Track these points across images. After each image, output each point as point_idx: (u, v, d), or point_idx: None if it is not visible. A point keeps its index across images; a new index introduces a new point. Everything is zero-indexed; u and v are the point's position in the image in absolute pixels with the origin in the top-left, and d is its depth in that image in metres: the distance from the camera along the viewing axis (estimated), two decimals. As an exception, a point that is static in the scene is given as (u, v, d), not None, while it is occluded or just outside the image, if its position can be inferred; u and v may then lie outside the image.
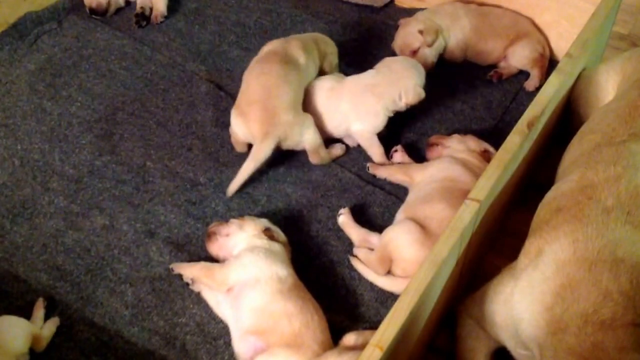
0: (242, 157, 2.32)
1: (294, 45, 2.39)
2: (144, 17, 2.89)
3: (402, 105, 2.34)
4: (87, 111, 2.49)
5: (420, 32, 2.60)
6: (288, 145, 2.27)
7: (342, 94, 2.36)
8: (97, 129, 2.43)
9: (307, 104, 2.36)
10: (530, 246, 1.71)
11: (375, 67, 2.40)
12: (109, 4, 2.90)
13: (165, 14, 2.91)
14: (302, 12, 2.96)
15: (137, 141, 2.40)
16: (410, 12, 2.81)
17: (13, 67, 2.65)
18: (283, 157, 2.35)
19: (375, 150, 2.34)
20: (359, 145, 2.40)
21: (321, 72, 2.49)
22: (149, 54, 2.74)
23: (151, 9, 2.92)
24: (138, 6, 2.92)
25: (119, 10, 2.96)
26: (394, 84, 2.32)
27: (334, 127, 2.38)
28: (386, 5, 3.01)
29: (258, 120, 2.22)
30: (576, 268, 1.56)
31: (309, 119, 2.28)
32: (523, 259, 1.71)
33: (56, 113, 2.48)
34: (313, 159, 2.34)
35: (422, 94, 2.33)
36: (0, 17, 2.76)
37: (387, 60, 2.42)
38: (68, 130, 2.42)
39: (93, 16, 2.89)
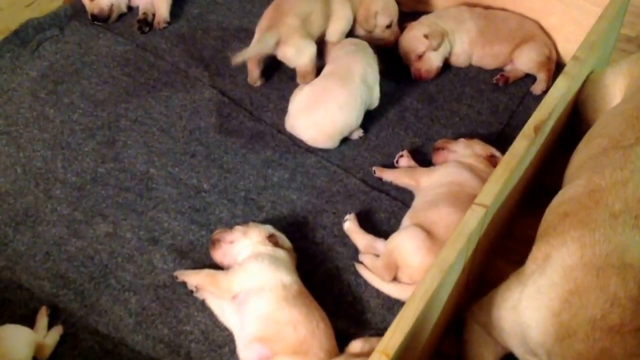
0: (247, 161, 2.34)
1: None
2: (146, 23, 2.88)
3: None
4: (90, 118, 2.48)
5: (426, 36, 2.59)
6: (284, 52, 2.48)
7: None
8: (100, 136, 2.42)
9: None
10: (537, 252, 1.70)
11: None
12: (111, 10, 2.88)
13: (168, 19, 2.90)
14: (305, 16, 2.95)
15: (140, 148, 2.39)
16: (415, 16, 2.79)
17: (15, 74, 2.64)
18: (287, 163, 2.34)
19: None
20: (365, 150, 2.39)
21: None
22: (151, 60, 2.73)
23: (154, 15, 2.91)
24: (141, 12, 2.91)
25: (121, 16, 2.95)
26: None
27: None
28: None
29: (267, 17, 2.53)
30: (584, 273, 1.56)
31: (310, 45, 2.49)
32: (530, 264, 1.70)
33: (58, 120, 2.47)
34: (299, 79, 2.54)
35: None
36: (2, 23, 2.75)
37: None
38: (70, 137, 2.41)
39: (95, 22, 2.88)
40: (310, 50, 2.49)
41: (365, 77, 2.40)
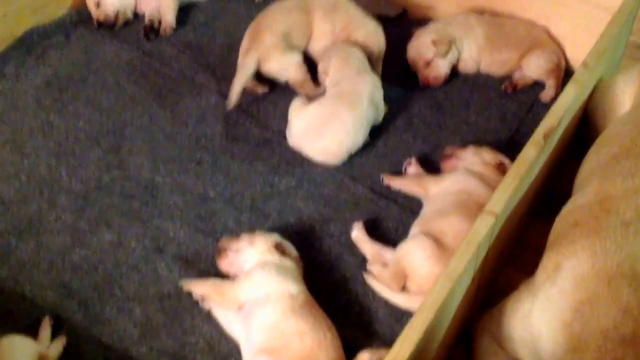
0: (253, 169, 2.32)
1: (319, 5, 2.63)
2: (152, 30, 2.87)
3: None
4: (95, 125, 2.47)
5: (434, 42, 2.57)
6: (268, 69, 2.52)
7: None
8: (105, 143, 2.41)
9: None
10: (548, 261, 1.69)
11: None
12: (117, 16, 2.88)
13: (174, 26, 2.89)
14: (313, 22, 2.94)
15: (146, 155, 2.37)
16: (423, 23, 2.78)
17: (19, 81, 2.63)
18: (294, 171, 2.33)
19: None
20: (372, 158, 2.38)
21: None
22: (157, 66, 2.71)
23: (160, 22, 2.90)
24: (147, 19, 2.90)
25: (127, 23, 2.94)
26: None
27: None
28: (399, 16, 2.99)
29: (247, 38, 2.57)
30: (595, 283, 1.55)
31: (293, 57, 2.51)
32: (541, 274, 1.69)
33: (63, 128, 2.45)
34: (297, 91, 2.53)
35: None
36: (7, 30, 2.74)
37: None
38: (75, 145, 2.40)
39: (101, 29, 2.87)
40: (295, 61, 2.52)
41: (372, 97, 2.38)
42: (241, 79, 2.47)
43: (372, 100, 2.38)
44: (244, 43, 2.59)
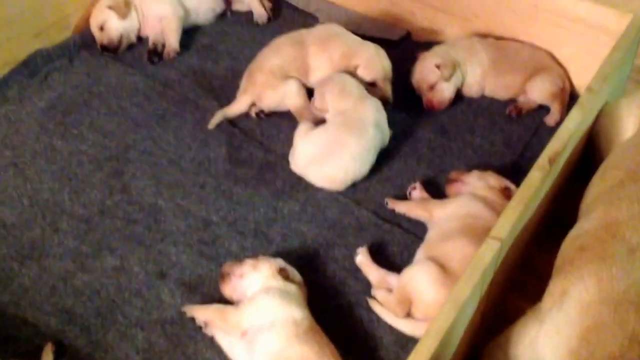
0: (257, 193, 2.32)
1: (312, 37, 2.64)
2: (156, 54, 2.88)
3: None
4: (98, 149, 2.47)
5: (438, 66, 2.57)
6: (267, 106, 2.57)
7: None
8: (108, 167, 2.40)
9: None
10: (554, 287, 1.68)
11: None
12: (120, 40, 2.89)
13: (178, 50, 2.90)
14: (317, 45, 2.94)
15: (149, 179, 2.37)
16: (427, 46, 2.79)
17: (23, 105, 2.63)
18: (298, 195, 2.32)
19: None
20: (376, 182, 2.37)
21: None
22: (161, 90, 2.72)
23: (163, 45, 2.91)
24: (150, 42, 2.91)
25: (130, 46, 2.95)
26: None
27: None
28: (403, 39, 2.99)
29: (244, 77, 2.64)
30: (601, 309, 1.53)
31: (290, 85, 2.53)
32: (547, 300, 1.68)
33: (66, 151, 2.45)
34: (298, 119, 2.52)
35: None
36: (10, 54, 2.74)
37: None
38: (78, 169, 2.39)
39: (105, 53, 2.88)
40: (290, 89, 2.55)
41: (377, 122, 2.38)
42: (227, 112, 2.59)
43: (378, 126, 2.37)
44: (242, 83, 2.65)
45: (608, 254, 1.63)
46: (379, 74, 2.52)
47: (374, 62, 2.53)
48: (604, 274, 1.58)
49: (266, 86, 2.55)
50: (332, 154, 2.30)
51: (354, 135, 2.31)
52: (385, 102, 2.47)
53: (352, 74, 2.51)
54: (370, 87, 2.50)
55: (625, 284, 1.55)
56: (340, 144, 2.30)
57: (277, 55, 2.61)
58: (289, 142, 2.46)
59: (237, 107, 2.59)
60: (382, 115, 2.41)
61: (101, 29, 2.87)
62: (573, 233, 1.83)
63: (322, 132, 2.37)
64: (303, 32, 2.69)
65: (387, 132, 2.42)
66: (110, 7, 2.86)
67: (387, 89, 2.53)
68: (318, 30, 2.70)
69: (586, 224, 1.79)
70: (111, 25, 2.86)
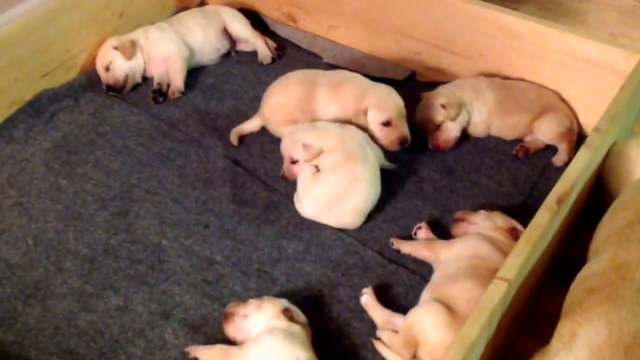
0: (261, 232, 2.31)
1: (325, 80, 2.63)
2: (160, 93, 2.89)
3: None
4: (103, 189, 2.47)
5: (443, 106, 2.57)
6: (272, 131, 2.68)
7: None
8: (113, 206, 2.40)
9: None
10: (562, 329, 1.66)
11: None
12: (126, 80, 2.90)
13: (183, 89, 2.91)
14: (320, 86, 2.95)
15: (153, 219, 2.36)
16: (432, 85, 2.79)
17: (28, 144, 2.63)
18: (302, 235, 2.31)
19: None
20: (381, 222, 2.36)
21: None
22: (165, 130, 2.72)
23: (168, 85, 2.93)
24: (155, 82, 2.92)
25: (136, 86, 2.97)
26: None
27: None
28: (407, 79, 3.00)
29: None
30: (612, 353, 1.51)
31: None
32: (556, 342, 1.66)
33: (71, 191, 2.45)
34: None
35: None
36: (17, 94, 2.76)
37: None
38: (83, 208, 2.39)
39: (110, 93, 2.89)
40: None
41: (368, 142, 2.41)
42: (240, 129, 2.72)
43: (371, 146, 2.40)
44: (261, 103, 2.75)
45: (618, 295, 1.61)
46: (392, 112, 2.47)
47: (385, 102, 2.49)
48: (613, 316, 1.56)
49: (271, 121, 2.66)
50: (351, 187, 2.29)
51: (360, 162, 2.31)
52: (403, 141, 2.46)
53: (363, 125, 2.49)
54: (385, 126, 2.47)
55: (636, 326, 1.53)
56: (354, 175, 2.30)
57: (284, 93, 2.65)
58: (293, 182, 2.45)
59: (249, 125, 2.73)
60: (365, 135, 2.43)
61: (107, 69, 2.89)
62: (582, 274, 1.81)
63: (330, 177, 2.34)
64: (318, 73, 2.70)
65: (376, 148, 2.43)
66: (116, 48, 2.89)
67: (404, 128, 2.49)
68: (332, 74, 2.69)
69: (595, 266, 1.78)
70: (117, 65, 2.88)
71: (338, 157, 2.35)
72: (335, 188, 2.31)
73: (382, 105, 2.48)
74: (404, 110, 2.51)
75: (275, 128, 2.65)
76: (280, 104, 2.63)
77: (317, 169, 2.38)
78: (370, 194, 2.32)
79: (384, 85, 2.57)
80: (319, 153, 2.37)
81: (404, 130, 2.48)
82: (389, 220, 2.37)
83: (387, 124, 2.47)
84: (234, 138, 2.67)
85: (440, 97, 2.62)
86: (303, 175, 2.39)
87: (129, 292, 2.13)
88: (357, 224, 2.34)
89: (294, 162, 2.43)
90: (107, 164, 2.57)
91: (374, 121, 2.48)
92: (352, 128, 2.44)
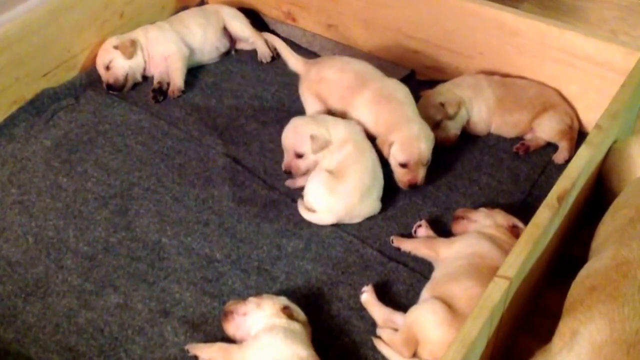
0: (260, 230, 2.32)
1: (377, 86, 2.54)
2: (160, 92, 2.89)
3: None
4: (103, 187, 2.47)
5: (442, 104, 2.57)
6: (300, 90, 2.72)
7: None
8: (113, 204, 2.40)
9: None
10: (564, 327, 1.65)
11: None
12: (126, 79, 2.90)
13: (183, 88, 2.91)
14: (320, 85, 2.95)
15: (153, 217, 2.36)
16: (431, 84, 2.80)
17: (29, 143, 2.63)
18: (302, 233, 2.31)
19: None
20: (381, 220, 2.36)
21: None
22: (165, 128, 2.72)
23: (168, 84, 2.92)
24: (155, 81, 2.92)
25: (136, 85, 2.97)
26: None
27: None
28: (407, 78, 2.99)
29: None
30: (614, 351, 1.50)
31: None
32: (557, 341, 1.65)
33: (71, 189, 2.45)
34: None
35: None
36: (18, 93, 2.76)
37: None
38: (83, 206, 2.39)
39: (110, 92, 2.89)
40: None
41: (361, 132, 2.46)
42: (286, 55, 2.89)
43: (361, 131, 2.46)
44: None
45: (619, 293, 1.61)
46: (411, 157, 2.37)
47: (410, 145, 2.38)
48: (615, 315, 1.56)
49: (306, 83, 2.69)
50: (375, 177, 2.35)
51: (373, 150, 2.39)
52: (413, 185, 2.40)
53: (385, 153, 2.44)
54: (401, 167, 2.40)
55: (638, 324, 1.53)
56: (375, 165, 2.37)
57: (338, 72, 2.61)
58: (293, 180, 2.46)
59: (292, 61, 2.85)
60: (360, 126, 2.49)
61: (107, 68, 2.89)
62: (583, 272, 1.81)
63: (355, 166, 2.34)
64: (375, 75, 2.58)
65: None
66: (116, 47, 2.89)
67: (419, 174, 2.40)
68: (386, 83, 2.55)
69: (597, 264, 1.77)
70: (117, 64, 2.89)
71: (351, 149, 2.37)
72: (367, 179, 2.32)
73: (406, 147, 2.37)
74: (426, 157, 2.40)
75: (303, 90, 2.66)
76: (328, 79, 2.60)
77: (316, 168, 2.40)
78: (381, 174, 2.38)
79: (418, 125, 2.42)
80: (327, 144, 2.38)
81: (417, 175, 2.39)
82: (389, 218, 2.37)
83: (404, 165, 2.40)
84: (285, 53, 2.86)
85: (440, 95, 2.62)
86: (315, 186, 2.34)
87: (128, 290, 2.13)
88: (375, 210, 2.37)
89: (299, 155, 2.42)
90: (107, 162, 2.57)
91: (393, 157, 2.41)
92: (352, 121, 2.48)
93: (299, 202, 2.38)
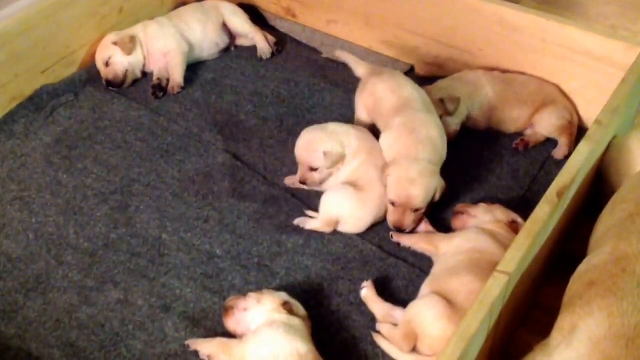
0: (260, 226, 2.32)
1: (402, 116, 2.39)
2: (160, 88, 2.89)
3: None
4: (103, 183, 2.47)
5: (441, 100, 2.57)
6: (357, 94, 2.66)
7: None
8: (113, 201, 2.40)
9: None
10: (563, 322, 1.66)
11: None
12: (125, 75, 2.90)
13: (182, 84, 2.91)
14: (320, 81, 2.95)
15: (153, 213, 2.37)
16: (431, 80, 2.80)
17: (29, 139, 2.63)
18: (302, 229, 2.31)
19: None
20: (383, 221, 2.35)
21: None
22: (165, 124, 2.72)
23: (168, 80, 2.92)
24: (155, 77, 2.92)
25: (135, 81, 2.97)
26: None
27: None
28: (406, 74, 2.97)
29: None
30: (612, 345, 1.51)
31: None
32: (556, 335, 1.65)
33: (71, 185, 2.45)
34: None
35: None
36: (17, 89, 2.76)
37: None
38: (83, 202, 2.39)
39: (110, 88, 2.89)
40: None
41: (373, 139, 2.45)
42: (352, 63, 2.76)
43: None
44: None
45: (618, 288, 1.61)
46: (399, 199, 2.23)
47: (400, 186, 2.24)
48: (614, 309, 1.56)
49: (365, 93, 2.58)
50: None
51: (379, 157, 2.37)
52: (396, 227, 2.26)
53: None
54: (391, 204, 2.26)
55: (637, 319, 1.53)
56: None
57: (390, 92, 2.47)
58: (292, 176, 2.47)
59: (357, 68, 2.73)
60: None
61: (107, 64, 2.89)
62: (582, 267, 1.81)
63: (368, 187, 2.32)
64: (417, 106, 2.41)
65: None
66: (115, 43, 2.89)
67: (404, 216, 2.25)
68: (420, 118, 2.37)
69: (596, 259, 1.77)
70: (116, 60, 2.88)
71: (365, 157, 2.38)
72: (372, 203, 2.31)
73: (395, 186, 2.24)
74: (415, 204, 2.23)
75: (357, 96, 2.63)
76: (379, 95, 2.50)
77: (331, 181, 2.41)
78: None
79: (421, 169, 2.25)
80: (341, 159, 2.38)
81: (403, 219, 2.24)
82: (389, 214, 2.37)
83: (392, 204, 2.27)
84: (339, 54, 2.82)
85: (440, 91, 2.62)
86: (343, 198, 2.30)
87: (129, 286, 2.14)
88: None
89: (313, 169, 2.40)
90: (107, 158, 2.57)
91: (387, 190, 2.30)
92: (362, 128, 2.49)
93: (308, 221, 2.34)
